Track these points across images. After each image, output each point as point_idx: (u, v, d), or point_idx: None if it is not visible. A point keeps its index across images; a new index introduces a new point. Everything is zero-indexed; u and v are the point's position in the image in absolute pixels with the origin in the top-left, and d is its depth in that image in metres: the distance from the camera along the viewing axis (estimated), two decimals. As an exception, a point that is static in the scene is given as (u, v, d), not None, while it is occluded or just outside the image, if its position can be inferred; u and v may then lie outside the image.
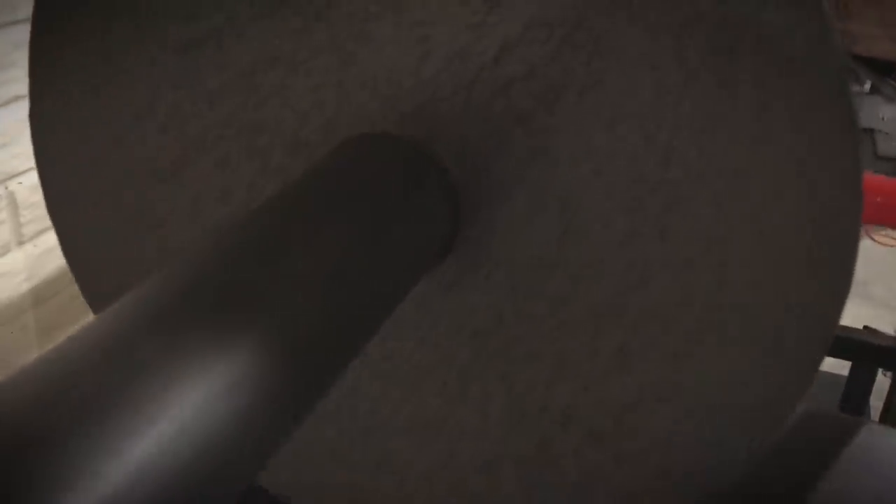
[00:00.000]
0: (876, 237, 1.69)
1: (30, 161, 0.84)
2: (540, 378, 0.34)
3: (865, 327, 1.02)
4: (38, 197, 0.89)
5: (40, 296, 0.99)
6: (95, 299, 0.41)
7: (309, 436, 0.39)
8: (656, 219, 0.30)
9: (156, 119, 0.36)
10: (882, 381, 1.03)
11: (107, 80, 0.36)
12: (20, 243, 0.95)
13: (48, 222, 0.92)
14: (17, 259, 0.94)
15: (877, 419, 1.15)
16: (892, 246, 1.67)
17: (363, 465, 0.39)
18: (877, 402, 1.03)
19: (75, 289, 0.92)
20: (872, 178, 1.34)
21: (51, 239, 0.91)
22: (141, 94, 0.36)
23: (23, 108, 0.89)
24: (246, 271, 0.24)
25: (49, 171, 0.39)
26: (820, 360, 0.30)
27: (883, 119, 1.72)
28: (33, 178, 0.86)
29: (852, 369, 0.96)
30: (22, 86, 0.89)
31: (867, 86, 1.74)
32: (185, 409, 0.20)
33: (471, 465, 0.37)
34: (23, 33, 0.89)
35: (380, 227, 0.30)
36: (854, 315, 1.49)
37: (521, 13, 0.30)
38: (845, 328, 0.97)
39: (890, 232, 1.71)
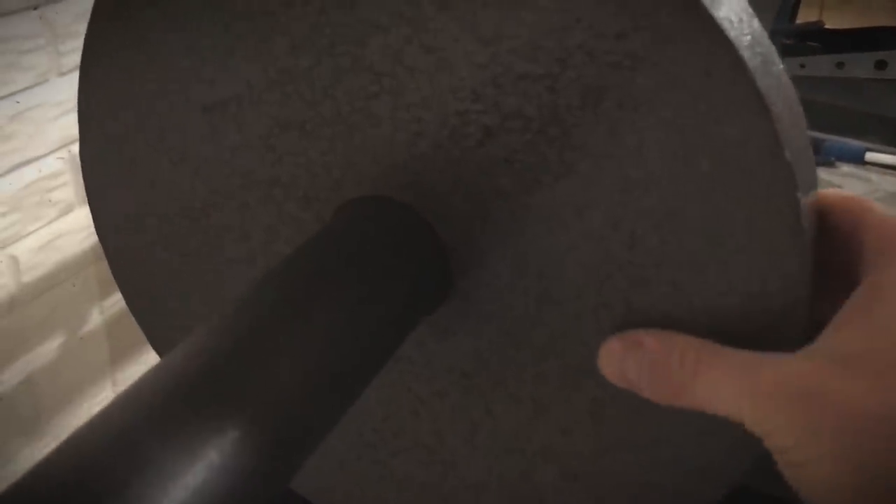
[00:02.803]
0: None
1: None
2: (521, 418, 0.38)
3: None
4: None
5: (101, 252, 1.05)
6: (144, 320, 0.46)
7: (323, 450, 0.43)
8: (623, 293, 0.34)
9: (188, 166, 0.40)
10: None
11: (145, 130, 0.40)
12: (83, 202, 1.01)
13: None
14: (80, 217, 1.00)
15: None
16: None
17: (367, 476, 0.43)
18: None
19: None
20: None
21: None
22: (175, 144, 0.40)
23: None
24: (235, 361, 0.28)
25: (98, 205, 0.44)
26: None
27: None
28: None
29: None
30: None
31: None
32: (182, 493, 0.25)
33: (461, 485, 0.41)
34: (84, 3, 0.93)
35: (373, 290, 0.34)
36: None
37: (501, 106, 0.33)
38: None
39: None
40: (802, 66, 1.41)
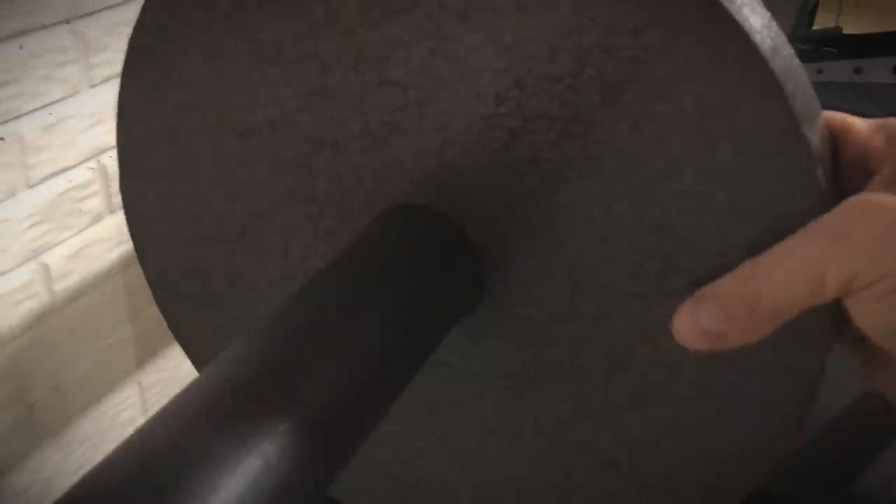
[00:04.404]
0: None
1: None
2: (563, 416, 0.39)
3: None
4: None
5: (129, 260, 1.07)
6: (183, 339, 0.48)
7: (367, 455, 0.45)
8: (655, 282, 0.35)
9: (222, 191, 0.42)
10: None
11: (179, 159, 0.42)
12: (112, 212, 1.03)
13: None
14: (109, 226, 1.02)
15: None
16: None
17: (413, 483, 0.44)
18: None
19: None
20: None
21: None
22: (209, 171, 0.42)
23: (112, 89, 0.95)
24: (284, 360, 0.29)
25: (142, 237, 0.46)
26: (805, 417, 0.34)
27: None
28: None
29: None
30: (111, 68, 0.95)
31: None
32: (237, 484, 0.26)
33: (506, 486, 0.42)
34: (114, 17, 0.95)
35: (411, 296, 0.35)
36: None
37: (524, 108, 0.34)
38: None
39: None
40: (820, 71, 1.42)
